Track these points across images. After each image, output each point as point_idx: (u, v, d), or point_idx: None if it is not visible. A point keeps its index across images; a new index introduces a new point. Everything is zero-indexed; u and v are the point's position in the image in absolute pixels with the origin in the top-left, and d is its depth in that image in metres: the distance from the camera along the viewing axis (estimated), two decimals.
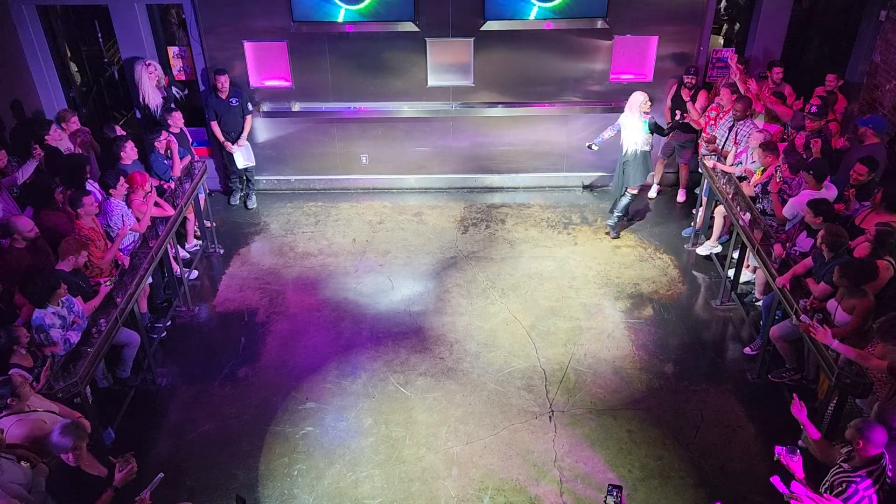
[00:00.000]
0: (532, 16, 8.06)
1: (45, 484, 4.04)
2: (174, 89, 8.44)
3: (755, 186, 6.72)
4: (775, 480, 3.88)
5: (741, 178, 7.09)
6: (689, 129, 8.28)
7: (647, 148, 7.53)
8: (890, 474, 3.78)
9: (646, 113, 7.39)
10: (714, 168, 7.25)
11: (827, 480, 3.90)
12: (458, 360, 6.31)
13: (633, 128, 7.45)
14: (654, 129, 7.53)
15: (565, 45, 8.27)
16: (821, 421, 5.09)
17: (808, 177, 6.06)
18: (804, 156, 6.54)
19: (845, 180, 6.22)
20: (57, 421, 4.43)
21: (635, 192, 7.78)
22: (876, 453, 3.72)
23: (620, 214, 7.95)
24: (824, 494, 3.77)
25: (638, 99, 7.40)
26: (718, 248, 7.62)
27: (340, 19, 8.04)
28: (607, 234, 8.04)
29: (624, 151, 7.59)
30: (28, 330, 4.91)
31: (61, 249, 5.40)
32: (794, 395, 4.40)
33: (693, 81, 8.04)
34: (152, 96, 8.12)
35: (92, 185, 6.62)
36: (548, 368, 6.21)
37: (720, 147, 7.50)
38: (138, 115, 8.50)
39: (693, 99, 8.09)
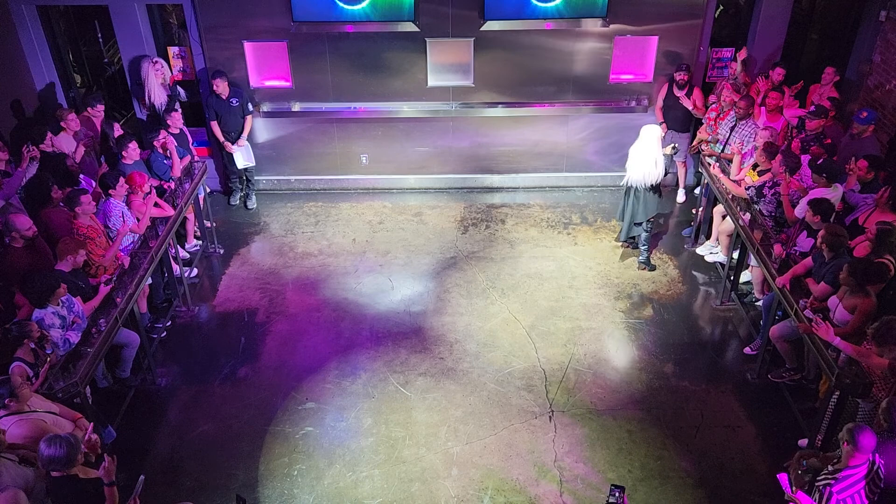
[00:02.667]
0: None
1: (46, 490, 4.03)
2: (179, 89, 8.44)
3: (748, 189, 6.71)
4: (782, 478, 3.89)
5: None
6: (684, 129, 8.27)
7: (657, 182, 7.09)
8: (882, 475, 3.80)
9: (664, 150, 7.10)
10: (719, 178, 7.14)
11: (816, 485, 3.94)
12: (457, 360, 6.31)
13: (647, 161, 6.96)
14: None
15: (565, 45, 8.27)
16: (821, 421, 5.10)
17: (820, 178, 6.06)
18: (815, 157, 6.54)
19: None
20: (57, 421, 4.44)
21: (651, 221, 7.39)
22: (862, 459, 3.76)
23: (646, 245, 7.46)
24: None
25: (657, 135, 6.99)
26: (718, 249, 7.61)
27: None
28: (642, 269, 7.50)
29: (627, 180, 7.17)
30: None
31: (59, 249, 5.40)
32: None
33: (685, 78, 8.01)
34: (158, 94, 8.14)
35: (89, 185, 6.63)
36: (548, 368, 6.21)
37: (721, 148, 7.47)
38: (140, 114, 8.50)
39: (689, 97, 8.07)
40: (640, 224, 7.31)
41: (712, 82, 8.55)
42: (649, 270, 7.49)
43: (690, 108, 8.06)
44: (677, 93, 8.08)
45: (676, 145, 7.53)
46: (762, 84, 7.68)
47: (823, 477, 3.86)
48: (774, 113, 7.39)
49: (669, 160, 8.07)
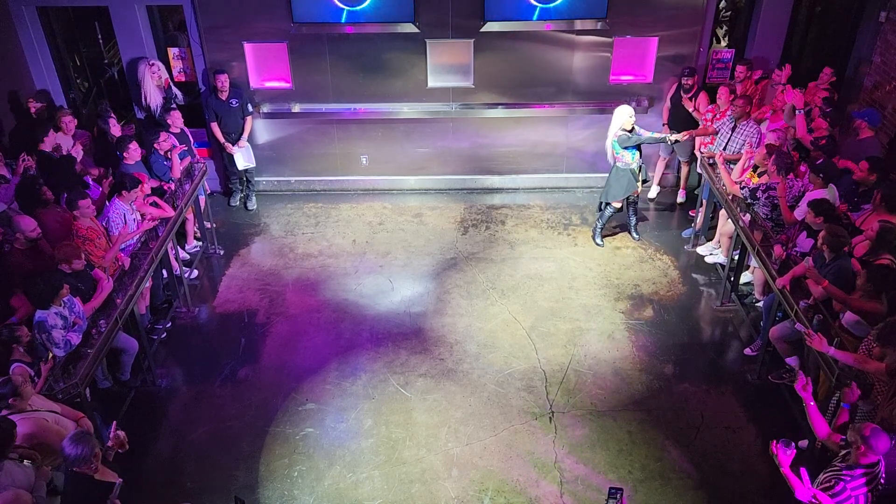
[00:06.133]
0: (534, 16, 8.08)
1: (58, 489, 4.03)
2: (175, 91, 8.43)
3: (742, 189, 6.70)
4: (803, 472, 3.86)
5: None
6: (687, 129, 8.26)
7: (620, 165, 7.44)
8: (882, 479, 3.79)
9: (624, 130, 7.27)
10: (718, 174, 7.17)
11: (819, 478, 3.91)
12: (458, 361, 6.31)
13: (608, 138, 7.49)
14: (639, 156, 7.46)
15: (565, 46, 8.28)
16: None
17: (816, 178, 6.05)
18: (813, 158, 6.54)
19: (848, 182, 6.22)
20: (59, 421, 4.44)
21: (617, 205, 7.71)
22: (874, 460, 3.73)
23: (601, 224, 7.91)
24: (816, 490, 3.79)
25: (623, 115, 7.26)
26: (718, 250, 7.61)
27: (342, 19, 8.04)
28: (593, 238, 8.01)
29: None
30: (28, 329, 4.91)
31: (58, 255, 5.37)
32: (801, 372, 4.36)
33: (690, 82, 8.03)
34: (154, 96, 8.15)
35: (95, 190, 6.65)
36: (548, 369, 6.21)
37: (721, 149, 7.46)
38: (139, 115, 8.51)
39: (693, 100, 8.07)
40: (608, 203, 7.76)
41: (712, 83, 8.54)
42: (597, 245, 7.92)
43: (691, 110, 8.06)
44: (683, 94, 8.09)
45: (673, 138, 7.57)
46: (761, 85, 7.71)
47: (831, 474, 3.83)
48: (779, 114, 7.39)
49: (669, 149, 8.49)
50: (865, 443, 3.69)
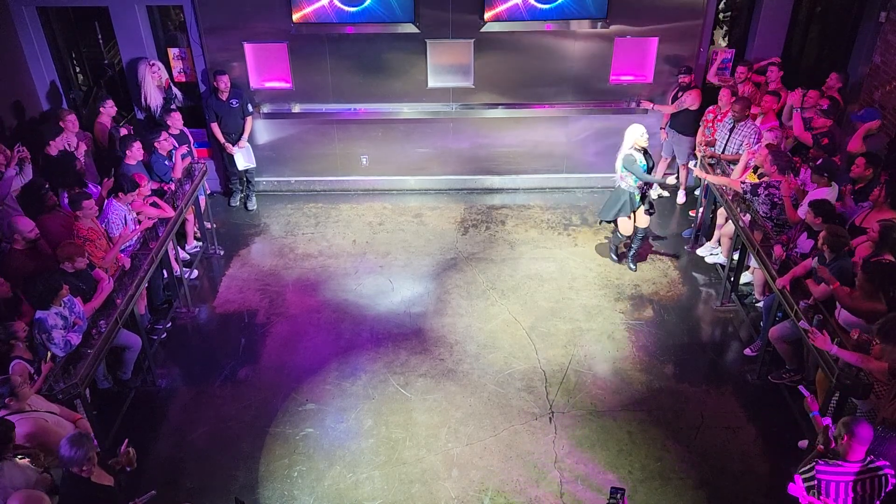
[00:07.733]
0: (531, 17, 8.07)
1: (57, 488, 4.03)
2: (175, 91, 8.43)
3: (743, 184, 6.70)
4: (794, 490, 3.85)
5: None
6: (688, 132, 8.26)
7: (623, 185, 7.01)
8: (892, 481, 3.79)
9: (636, 149, 6.84)
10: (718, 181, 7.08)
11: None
12: (458, 362, 6.31)
13: (618, 159, 7.02)
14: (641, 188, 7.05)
15: (565, 46, 8.28)
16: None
17: (820, 177, 6.05)
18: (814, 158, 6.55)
19: (846, 181, 6.23)
20: (59, 422, 4.44)
21: (626, 232, 7.31)
22: (861, 452, 3.75)
23: (613, 245, 7.60)
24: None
25: (634, 133, 6.80)
26: (718, 251, 7.60)
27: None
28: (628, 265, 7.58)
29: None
30: (29, 328, 4.90)
31: (60, 254, 5.36)
32: (801, 387, 4.43)
33: (687, 80, 8.05)
34: (154, 96, 8.16)
35: (92, 187, 6.64)
36: (548, 370, 6.21)
37: (720, 150, 7.48)
38: (139, 116, 8.51)
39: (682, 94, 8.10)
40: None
41: (712, 84, 8.54)
42: (631, 269, 7.51)
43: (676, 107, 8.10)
44: (680, 94, 8.10)
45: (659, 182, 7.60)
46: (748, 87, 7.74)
47: (815, 463, 3.86)
48: (769, 115, 7.40)
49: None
50: (848, 430, 3.73)
